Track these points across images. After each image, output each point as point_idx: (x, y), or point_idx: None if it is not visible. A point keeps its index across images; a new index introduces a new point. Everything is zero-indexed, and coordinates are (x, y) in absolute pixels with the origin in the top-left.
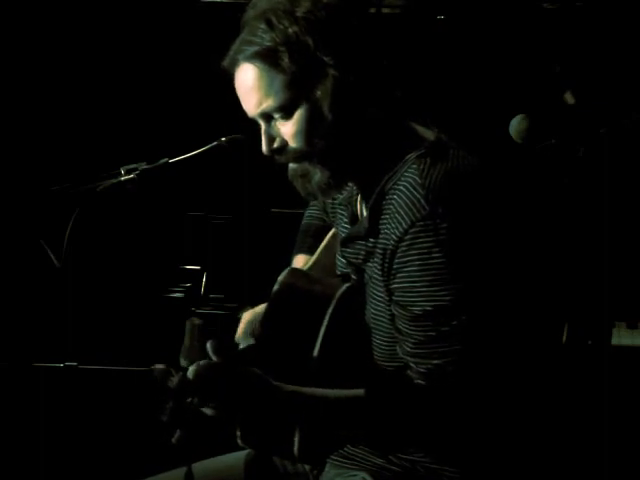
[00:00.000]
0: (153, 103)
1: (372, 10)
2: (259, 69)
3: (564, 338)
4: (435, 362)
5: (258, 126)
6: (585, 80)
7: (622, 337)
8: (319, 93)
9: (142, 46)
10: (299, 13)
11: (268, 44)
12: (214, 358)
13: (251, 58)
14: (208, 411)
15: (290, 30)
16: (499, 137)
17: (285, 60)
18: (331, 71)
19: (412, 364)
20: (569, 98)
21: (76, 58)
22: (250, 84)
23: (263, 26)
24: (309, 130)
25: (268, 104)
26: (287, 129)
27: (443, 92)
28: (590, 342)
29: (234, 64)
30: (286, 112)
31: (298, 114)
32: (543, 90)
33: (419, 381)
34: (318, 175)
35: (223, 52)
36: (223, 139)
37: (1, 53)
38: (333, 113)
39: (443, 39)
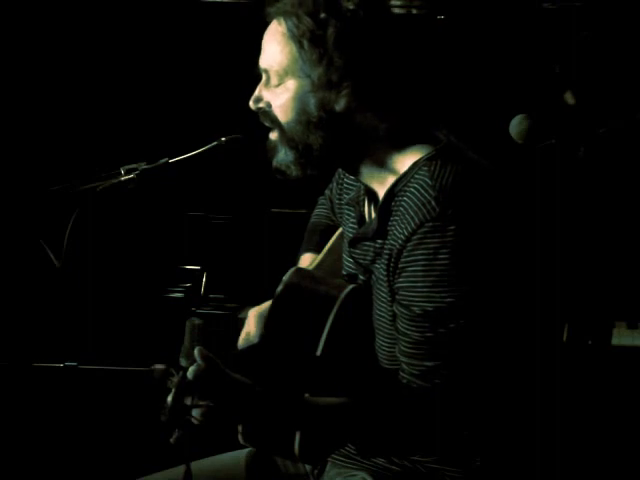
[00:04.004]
0: (153, 103)
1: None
2: (284, 35)
3: (564, 338)
4: (428, 364)
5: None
6: (585, 80)
7: (622, 337)
8: (317, 83)
9: (142, 46)
10: (345, 8)
11: (304, 24)
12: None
13: (285, 23)
14: (198, 418)
15: (331, 22)
16: (499, 137)
17: (306, 43)
18: (341, 70)
19: (405, 365)
20: (569, 98)
21: (76, 58)
22: (270, 39)
23: (311, 8)
24: (291, 108)
25: (269, 64)
26: (273, 95)
27: (443, 92)
28: (590, 342)
29: (271, 15)
30: (280, 80)
31: (289, 89)
32: (543, 90)
33: (410, 383)
34: (281, 155)
35: (223, 52)
36: (223, 139)
37: (1, 53)
38: (322, 107)
39: (443, 39)
